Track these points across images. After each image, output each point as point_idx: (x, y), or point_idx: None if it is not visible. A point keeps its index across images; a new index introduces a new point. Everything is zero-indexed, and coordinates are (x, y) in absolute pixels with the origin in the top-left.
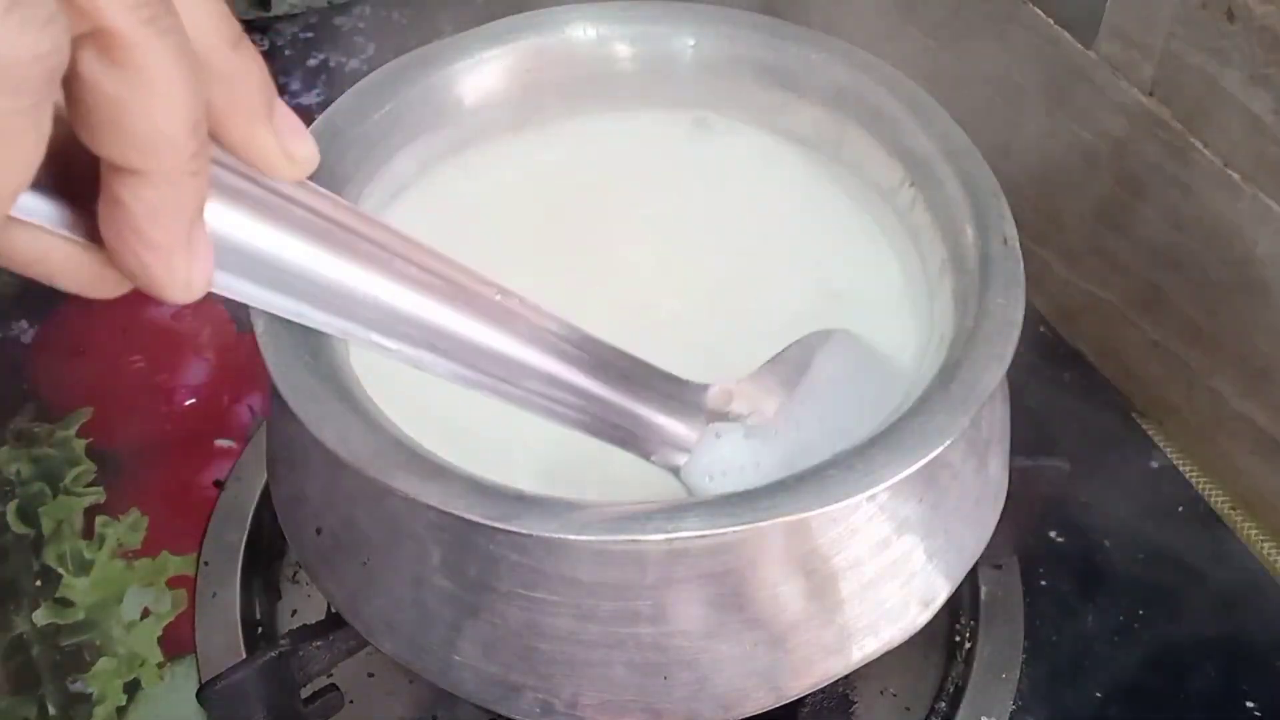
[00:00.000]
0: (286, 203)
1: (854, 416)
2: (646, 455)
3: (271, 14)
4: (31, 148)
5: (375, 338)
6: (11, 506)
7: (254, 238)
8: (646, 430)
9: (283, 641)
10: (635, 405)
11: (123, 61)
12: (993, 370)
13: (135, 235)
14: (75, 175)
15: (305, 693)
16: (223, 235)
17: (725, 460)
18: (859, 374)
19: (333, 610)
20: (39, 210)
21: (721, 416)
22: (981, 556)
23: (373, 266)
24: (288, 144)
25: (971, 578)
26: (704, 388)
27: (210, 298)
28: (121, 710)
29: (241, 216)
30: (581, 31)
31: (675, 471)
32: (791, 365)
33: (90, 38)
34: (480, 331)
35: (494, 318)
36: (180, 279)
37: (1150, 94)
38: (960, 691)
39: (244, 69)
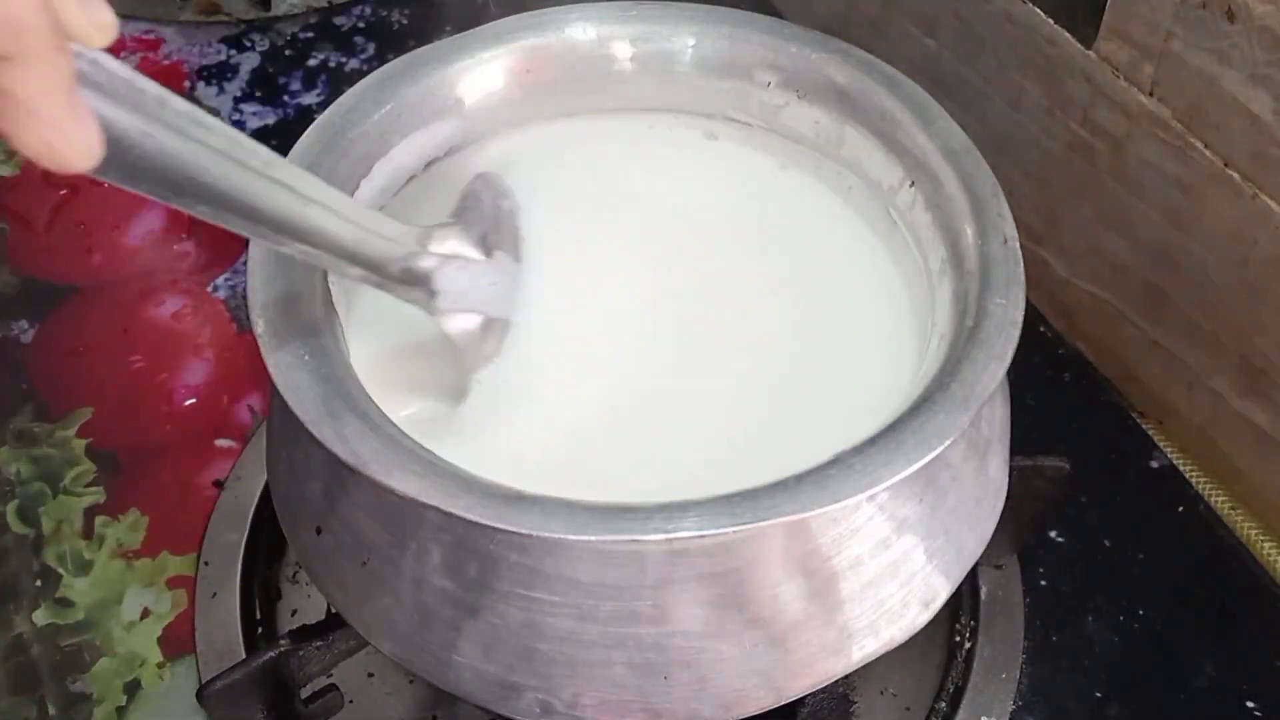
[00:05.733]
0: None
1: None
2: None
3: (271, 14)
4: None
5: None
6: (11, 506)
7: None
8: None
9: (283, 641)
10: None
11: None
12: (993, 370)
13: (30, 117)
14: None
15: (305, 693)
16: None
17: (466, 286)
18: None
19: (333, 610)
20: None
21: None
22: (981, 556)
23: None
24: (94, 15)
25: (971, 578)
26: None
27: (211, 299)
28: (121, 710)
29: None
30: (581, 31)
31: (431, 310)
32: (476, 204)
33: None
34: (254, 197)
35: (262, 184)
36: (79, 146)
37: (1150, 94)
38: (960, 691)
39: None
